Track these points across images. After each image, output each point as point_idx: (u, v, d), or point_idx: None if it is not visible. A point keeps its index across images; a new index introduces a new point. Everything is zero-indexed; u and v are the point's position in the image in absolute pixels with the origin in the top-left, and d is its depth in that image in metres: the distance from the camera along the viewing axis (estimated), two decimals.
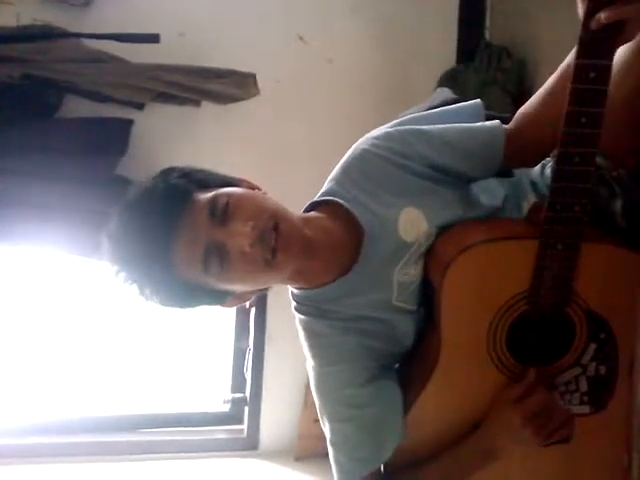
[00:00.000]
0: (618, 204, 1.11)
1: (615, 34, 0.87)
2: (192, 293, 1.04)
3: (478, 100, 1.18)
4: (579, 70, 0.88)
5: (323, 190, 1.14)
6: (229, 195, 1.01)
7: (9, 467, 2.23)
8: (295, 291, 1.14)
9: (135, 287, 1.03)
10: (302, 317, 1.13)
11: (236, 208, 1.00)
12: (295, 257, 1.02)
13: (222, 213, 0.99)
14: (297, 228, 1.04)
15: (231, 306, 1.12)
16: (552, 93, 1.06)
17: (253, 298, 1.13)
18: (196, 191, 1.02)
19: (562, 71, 1.03)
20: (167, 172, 1.06)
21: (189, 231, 0.98)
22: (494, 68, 2.43)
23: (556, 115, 0.94)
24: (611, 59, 0.88)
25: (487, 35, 2.62)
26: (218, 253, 0.98)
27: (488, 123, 1.13)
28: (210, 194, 1.01)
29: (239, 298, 1.10)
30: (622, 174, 1.12)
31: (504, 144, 1.10)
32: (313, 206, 1.14)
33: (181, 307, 1.07)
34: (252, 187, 1.09)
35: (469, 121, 1.14)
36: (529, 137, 1.09)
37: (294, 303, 1.15)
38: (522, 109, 1.13)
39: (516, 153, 1.10)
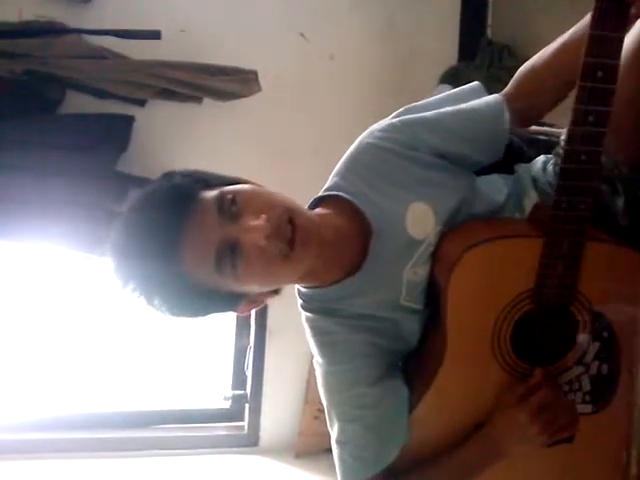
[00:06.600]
0: (620, 202, 1.11)
1: (623, 31, 0.87)
2: (204, 298, 0.98)
3: (476, 82, 1.17)
4: (587, 68, 0.89)
5: (327, 185, 1.11)
6: (236, 191, 0.97)
7: (11, 462, 2.24)
8: (302, 289, 1.11)
9: (143, 298, 0.97)
10: (309, 315, 1.11)
11: (246, 202, 0.95)
12: (313, 251, 0.98)
13: (231, 209, 0.95)
14: (314, 222, 1.01)
15: (244, 312, 1.07)
16: (565, 44, 1.08)
17: (266, 301, 1.08)
18: (201, 190, 0.97)
19: (578, 27, 1.05)
20: (169, 175, 1.02)
21: (198, 231, 0.93)
22: (496, 66, 2.43)
23: (565, 64, 0.96)
24: (619, 58, 0.89)
25: (489, 33, 2.62)
26: (231, 250, 0.93)
27: (489, 99, 1.12)
28: (216, 191, 0.97)
29: (252, 301, 1.05)
30: (624, 172, 1.12)
31: (508, 116, 1.10)
32: (317, 202, 1.11)
33: (192, 315, 1.01)
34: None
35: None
36: (531, 90, 1.13)
37: (300, 301, 1.12)
38: (524, 67, 1.15)
39: (518, 117, 1.11)
